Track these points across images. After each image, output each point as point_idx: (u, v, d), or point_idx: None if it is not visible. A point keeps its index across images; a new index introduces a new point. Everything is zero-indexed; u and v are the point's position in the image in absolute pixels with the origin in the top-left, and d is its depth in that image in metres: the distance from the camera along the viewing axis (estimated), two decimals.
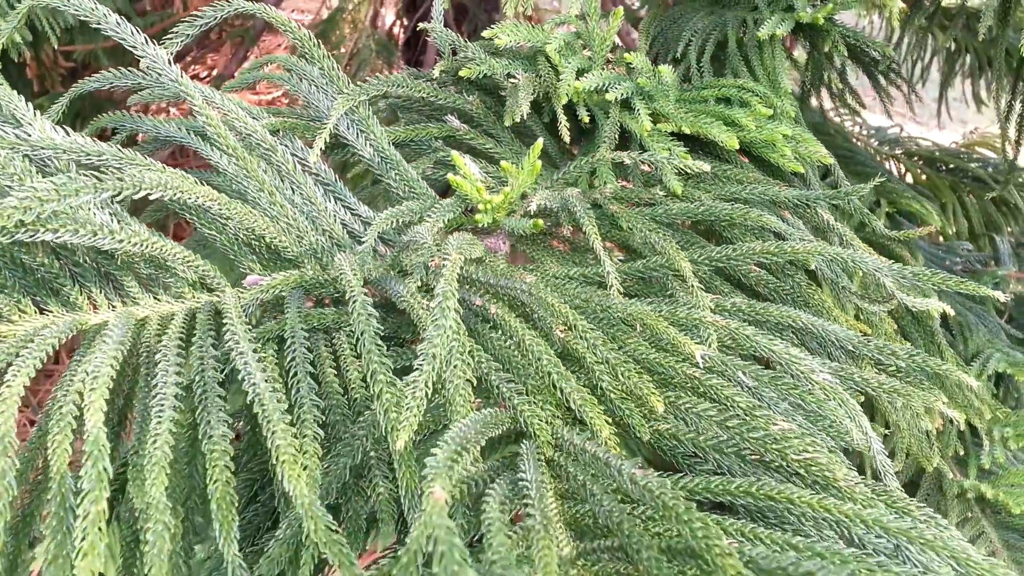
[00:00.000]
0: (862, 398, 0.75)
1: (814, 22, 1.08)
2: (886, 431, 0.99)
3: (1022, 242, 2.06)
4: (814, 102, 1.85)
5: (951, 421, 1.32)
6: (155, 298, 0.70)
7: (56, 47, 1.66)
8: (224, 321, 0.63)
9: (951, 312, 0.90)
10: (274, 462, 0.49)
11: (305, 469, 0.49)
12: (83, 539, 0.45)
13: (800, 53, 1.38)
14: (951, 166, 2.23)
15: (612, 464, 0.50)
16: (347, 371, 0.66)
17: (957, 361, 1.25)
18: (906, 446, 1.01)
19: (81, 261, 0.67)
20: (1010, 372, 1.49)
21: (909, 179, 2.21)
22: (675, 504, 0.45)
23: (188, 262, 0.70)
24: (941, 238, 2.01)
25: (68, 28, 1.65)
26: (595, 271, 0.80)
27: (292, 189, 0.80)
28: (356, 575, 0.43)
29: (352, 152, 0.90)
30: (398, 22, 2.90)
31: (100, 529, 0.46)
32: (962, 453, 1.23)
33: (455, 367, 0.56)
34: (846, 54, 1.13)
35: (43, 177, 0.61)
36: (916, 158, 2.23)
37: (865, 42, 1.09)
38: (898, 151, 2.26)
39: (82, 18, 0.73)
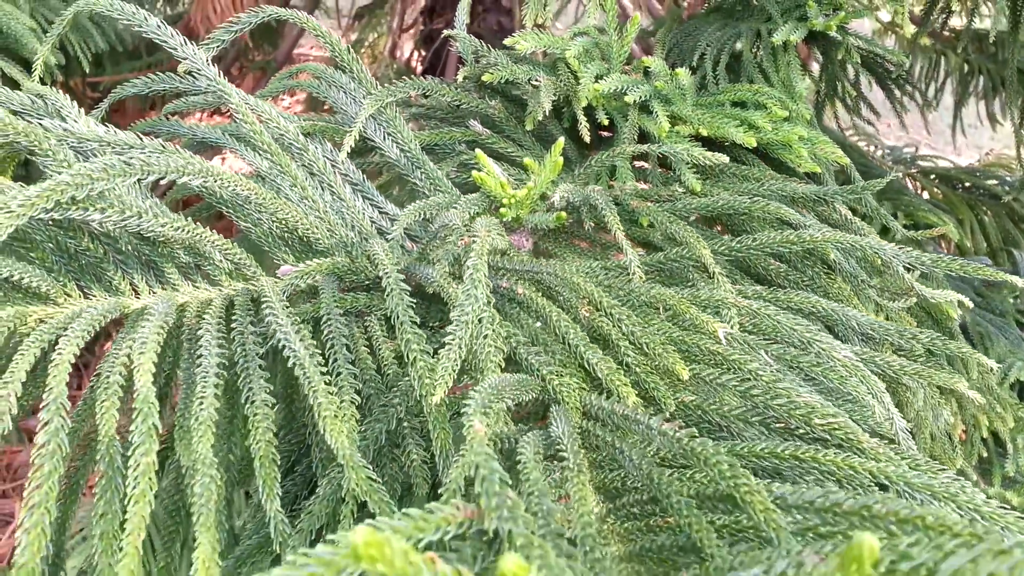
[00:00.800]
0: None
1: (827, 30, 1.11)
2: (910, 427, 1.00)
3: None
4: (832, 124, 1.88)
5: (974, 426, 1.32)
6: (194, 286, 0.73)
7: (86, 74, 1.71)
8: (263, 302, 0.66)
9: (969, 304, 0.92)
10: (316, 419, 0.51)
11: (345, 425, 0.51)
12: (135, 487, 0.48)
13: (814, 69, 1.41)
14: (967, 184, 2.25)
15: (641, 420, 0.52)
16: (380, 350, 0.68)
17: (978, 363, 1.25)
18: (928, 449, 1.02)
19: (124, 248, 0.70)
20: None
21: (925, 196, 2.23)
22: (703, 449, 0.47)
23: (225, 250, 0.73)
24: (960, 252, 2.02)
25: (97, 55, 1.71)
26: (616, 264, 0.83)
27: (322, 186, 0.84)
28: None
29: (378, 157, 0.93)
30: (415, 53, 2.96)
31: (150, 479, 0.49)
32: (985, 455, 1.24)
33: (485, 336, 0.59)
34: (859, 61, 1.16)
35: None
36: (932, 176, 2.25)
37: (876, 48, 1.12)
38: (914, 170, 2.28)
39: (112, 42, 0.77)
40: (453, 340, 0.54)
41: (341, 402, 0.54)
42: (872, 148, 2.33)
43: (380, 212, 0.88)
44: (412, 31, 3.09)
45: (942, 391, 0.85)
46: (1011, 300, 1.83)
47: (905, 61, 1.12)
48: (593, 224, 0.92)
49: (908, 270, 0.82)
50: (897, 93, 1.47)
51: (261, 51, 2.91)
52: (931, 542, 0.31)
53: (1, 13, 1.37)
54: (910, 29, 1.00)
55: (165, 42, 0.76)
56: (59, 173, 0.61)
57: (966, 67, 2.38)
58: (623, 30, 1.00)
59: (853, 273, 0.91)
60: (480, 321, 0.59)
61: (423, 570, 0.30)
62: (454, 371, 0.52)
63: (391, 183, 1.27)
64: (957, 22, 2.56)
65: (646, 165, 1.03)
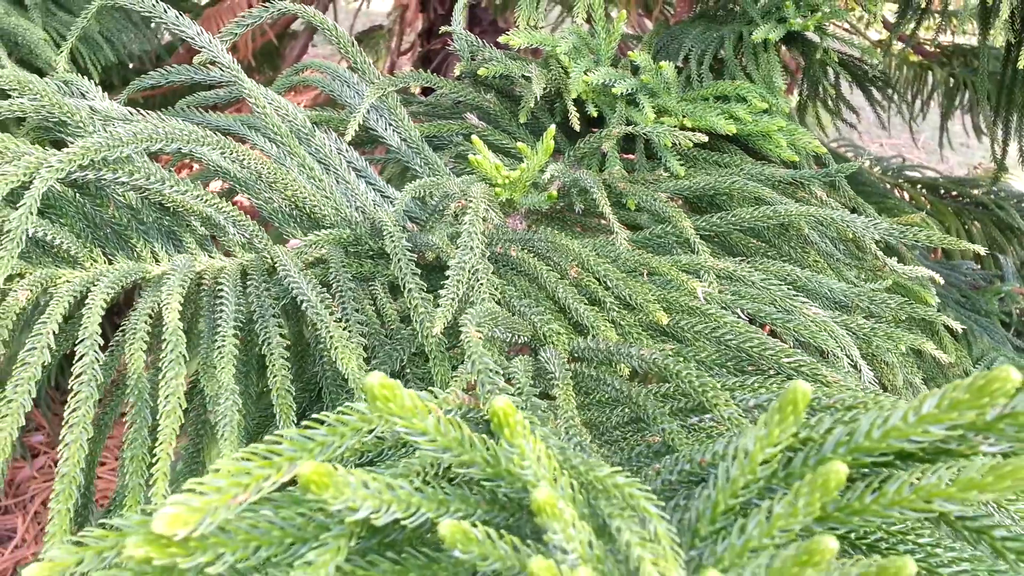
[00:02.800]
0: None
1: (804, 30, 1.19)
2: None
3: None
4: (820, 135, 1.95)
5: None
6: (210, 256, 0.79)
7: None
8: (276, 264, 0.72)
9: (940, 280, 0.98)
10: (328, 350, 0.58)
11: (354, 354, 0.57)
12: (166, 404, 0.54)
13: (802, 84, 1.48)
14: (954, 193, 2.32)
15: (623, 350, 0.58)
16: (383, 309, 0.74)
17: (959, 354, 1.31)
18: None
19: (145, 219, 0.77)
20: None
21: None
22: (675, 365, 0.53)
23: (239, 223, 0.79)
24: (947, 257, 2.09)
25: (106, 68, 1.78)
26: (604, 241, 0.89)
27: (328, 170, 0.90)
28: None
29: (382, 151, 1.00)
30: None
31: (179, 398, 0.55)
32: None
33: (481, 283, 0.65)
34: (836, 61, 1.24)
35: None
36: (919, 186, 2.32)
37: (852, 46, 1.19)
38: (901, 180, 2.35)
39: (121, 56, 0.84)
40: (451, 281, 0.61)
41: (350, 338, 0.60)
42: (859, 159, 2.40)
43: (383, 196, 0.94)
44: (410, 54, 3.18)
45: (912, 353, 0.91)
46: (995, 302, 1.90)
47: (880, 60, 1.19)
48: (583, 207, 0.98)
49: (880, 245, 0.88)
50: (877, 95, 1.54)
51: (263, 74, 2.99)
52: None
53: (18, 26, 1.45)
54: (879, 26, 1.07)
55: (183, 32, 0.83)
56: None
57: (951, 81, 2.46)
58: (610, 28, 1.07)
59: (828, 251, 0.98)
60: (476, 272, 0.65)
61: (428, 411, 0.36)
62: (452, 307, 0.59)
63: (391, 181, 1.34)
64: (944, 38, 2.65)
65: (633, 157, 1.10)
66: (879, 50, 2.91)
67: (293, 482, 0.36)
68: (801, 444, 0.40)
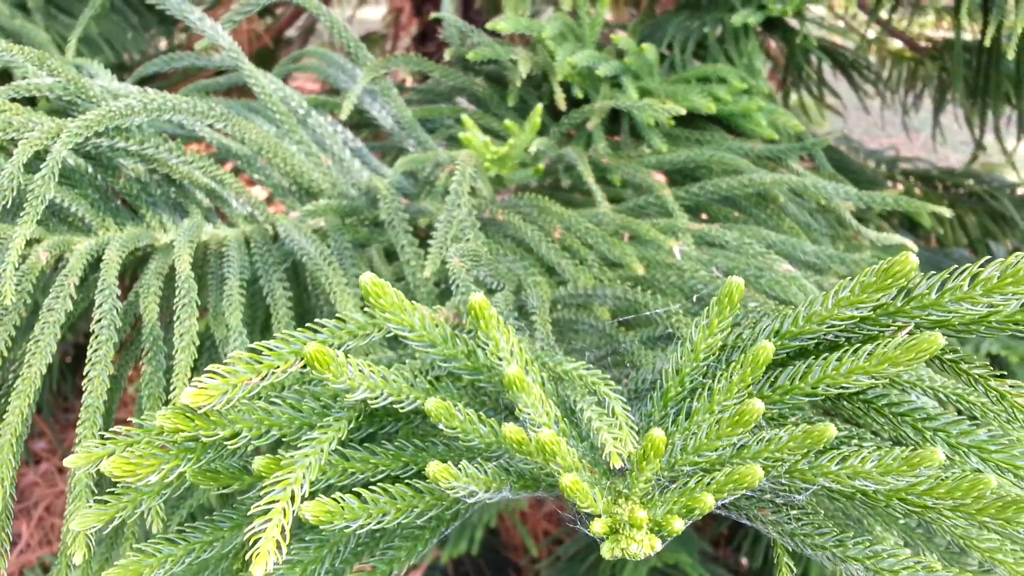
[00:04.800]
0: None
1: (783, 15, 1.26)
2: None
3: (1019, 248, 2.21)
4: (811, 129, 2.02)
5: None
6: (214, 227, 0.86)
7: None
8: (278, 227, 0.79)
9: (914, 248, 1.05)
10: (327, 292, 0.64)
11: (351, 293, 0.64)
12: (181, 341, 0.60)
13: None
14: (948, 184, 2.38)
15: (599, 291, 0.65)
16: (379, 271, 0.81)
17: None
18: None
19: (153, 191, 0.84)
20: (1003, 354, 1.61)
21: None
22: (643, 297, 0.59)
23: (241, 194, 0.86)
24: (940, 245, 2.16)
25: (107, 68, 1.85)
26: (588, 211, 0.96)
27: (324, 148, 0.97)
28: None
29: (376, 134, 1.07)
30: (407, 79, 3.13)
31: (193, 341, 0.61)
32: None
33: (468, 239, 0.72)
34: (816, 45, 1.31)
35: None
36: (912, 177, 2.39)
37: (830, 30, 1.27)
38: (896, 171, 2.42)
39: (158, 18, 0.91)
40: (439, 231, 0.68)
41: (347, 283, 0.67)
42: (854, 152, 2.47)
43: (377, 174, 1.01)
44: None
45: None
46: None
47: (857, 40, 1.26)
48: (570, 184, 1.05)
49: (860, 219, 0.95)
50: (858, 79, 1.61)
51: None
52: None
53: (24, 27, 1.52)
54: (853, 8, 1.14)
55: (186, 17, 0.90)
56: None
57: (944, 75, 2.53)
58: (593, 13, 1.15)
59: (805, 222, 1.05)
60: (463, 226, 0.72)
61: (415, 309, 0.43)
62: (440, 253, 0.65)
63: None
64: (934, 33, 2.73)
65: (619, 139, 1.17)
66: (865, 39, 2.98)
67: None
68: (739, 342, 0.47)
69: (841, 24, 2.35)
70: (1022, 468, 0.44)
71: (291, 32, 3.10)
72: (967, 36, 2.26)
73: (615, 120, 1.19)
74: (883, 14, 1.49)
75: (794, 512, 0.47)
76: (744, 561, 2.17)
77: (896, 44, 2.67)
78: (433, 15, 1.10)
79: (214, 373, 0.40)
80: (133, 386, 0.79)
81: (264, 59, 3.04)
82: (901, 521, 0.62)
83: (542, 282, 0.72)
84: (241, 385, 0.40)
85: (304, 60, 1.11)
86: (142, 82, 0.98)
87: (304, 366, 0.43)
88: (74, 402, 2.68)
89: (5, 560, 0.59)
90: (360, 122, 1.08)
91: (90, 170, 0.80)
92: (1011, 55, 1.05)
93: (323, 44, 3.49)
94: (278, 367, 0.42)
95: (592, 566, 1.99)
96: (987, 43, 1.08)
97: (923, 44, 2.48)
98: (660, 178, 0.96)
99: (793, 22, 1.37)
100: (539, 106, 1.00)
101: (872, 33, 2.61)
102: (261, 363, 0.42)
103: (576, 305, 0.69)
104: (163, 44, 2.39)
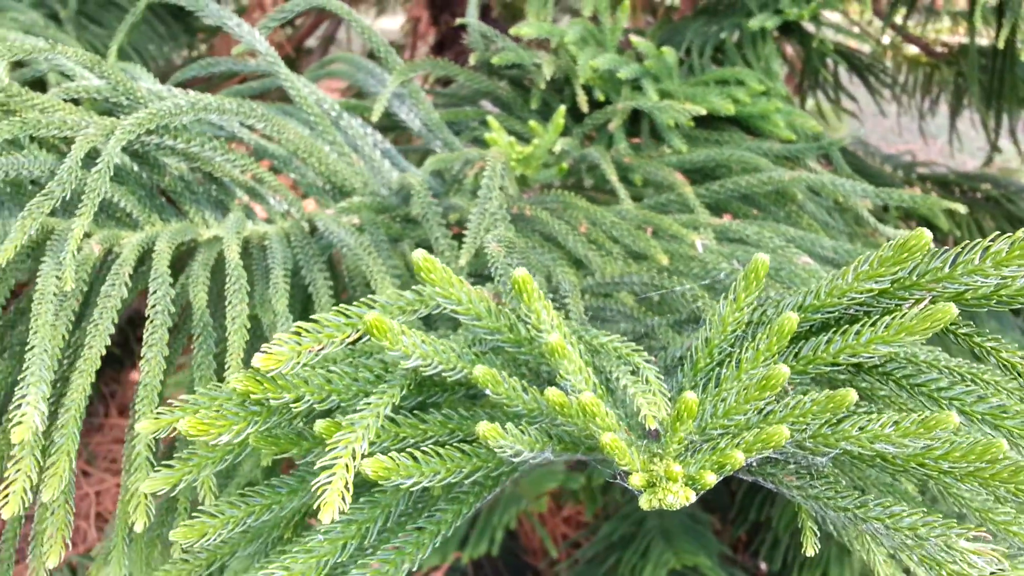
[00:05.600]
0: None
1: (799, 19, 1.30)
2: None
3: None
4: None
5: None
6: (253, 223, 0.90)
7: None
8: (316, 223, 0.83)
9: (929, 236, 1.08)
10: (370, 281, 0.68)
11: (389, 282, 0.68)
12: (233, 324, 0.64)
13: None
14: (964, 187, 2.41)
15: (625, 278, 0.68)
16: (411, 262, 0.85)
17: None
18: None
19: (196, 189, 0.88)
20: None
21: None
22: (669, 281, 0.63)
23: (278, 191, 0.90)
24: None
25: None
26: (612, 206, 0.99)
27: (356, 149, 1.01)
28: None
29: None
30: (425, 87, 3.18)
31: (245, 324, 0.65)
32: None
33: (498, 227, 0.75)
34: (832, 48, 1.34)
35: None
36: (929, 182, 2.41)
37: (847, 34, 1.30)
38: (912, 175, 2.44)
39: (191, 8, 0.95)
40: (473, 222, 0.71)
41: (386, 271, 0.71)
42: (869, 156, 2.50)
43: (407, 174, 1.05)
44: None
45: None
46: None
47: (871, 46, 1.29)
48: (592, 183, 1.09)
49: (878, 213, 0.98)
50: (874, 83, 1.64)
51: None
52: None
53: (56, 37, 1.58)
54: (868, 14, 1.18)
55: (225, 23, 0.95)
56: None
57: (960, 79, 2.56)
58: (615, 19, 1.19)
59: (824, 220, 1.08)
60: (495, 217, 0.76)
61: (462, 284, 0.47)
62: (475, 243, 0.69)
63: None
64: (950, 38, 2.76)
65: (639, 140, 1.21)
66: (881, 45, 3.00)
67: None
68: (763, 318, 0.50)
69: (856, 30, 2.39)
70: None
71: (311, 42, 3.16)
72: (984, 41, 2.29)
73: (635, 123, 1.23)
74: (898, 19, 1.53)
75: (818, 480, 0.50)
76: (763, 566, 2.19)
77: (912, 50, 2.70)
78: (459, 20, 1.15)
79: (281, 340, 0.44)
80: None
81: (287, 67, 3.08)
82: (918, 500, 0.65)
83: (570, 272, 0.76)
84: (305, 352, 0.44)
85: (333, 65, 1.16)
86: (178, 86, 1.03)
87: (359, 337, 0.46)
88: (97, 406, 2.72)
89: (68, 530, 0.63)
90: (388, 125, 1.12)
91: (135, 168, 0.84)
92: None
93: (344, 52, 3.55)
94: (338, 337, 0.46)
95: (611, 568, 2.02)
96: (1001, 45, 1.11)
97: (939, 50, 2.51)
98: (680, 178, 1.00)
99: (809, 27, 1.41)
100: (562, 107, 1.03)
101: (887, 39, 2.65)
102: (322, 332, 0.45)
103: (604, 294, 0.72)
104: (183, 54, 2.45)
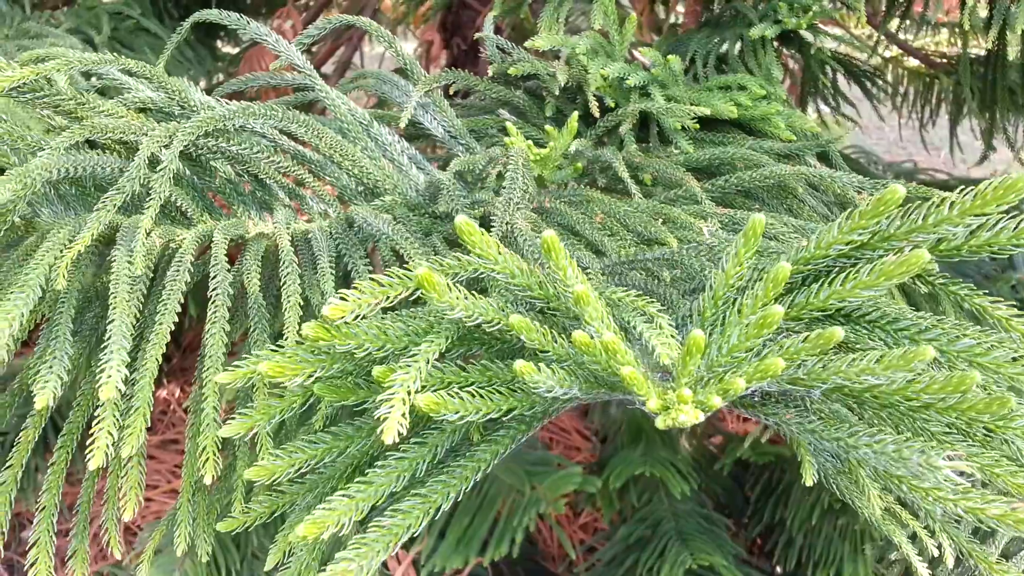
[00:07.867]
0: None
1: (798, 28, 1.37)
2: None
3: None
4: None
5: None
6: (295, 222, 0.98)
7: None
8: (354, 219, 0.91)
9: (902, 192, 1.14)
10: (409, 262, 0.75)
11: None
12: (287, 302, 0.71)
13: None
14: (964, 190, 2.47)
15: (639, 256, 0.76)
16: (443, 254, 0.92)
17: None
18: None
19: (243, 190, 0.95)
20: None
21: None
22: (682, 254, 0.70)
23: (317, 192, 0.98)
24: None
25: None
26: (628, 201, 1.07)
27: (385, 154, 1.09)
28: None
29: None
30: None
31: (298, 302, 0.72)
32: None
33: (522, 216, 0.83)
34: (831, 55, 1.42)
35: None
36: (930, 188, 2.48)
37: (844, 41, 1.38)
38: (913, 183, 2.51)
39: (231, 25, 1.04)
40: (500, 211, 0.78)
41: (422, 253, 0.78)
42: (872, 165, 2.57)
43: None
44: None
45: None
46: (1009, 288, 2.05)
47: (868, 53, 1.37)
48: (605, 183, 1.16)
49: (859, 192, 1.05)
50: (872, 89, 1.72)
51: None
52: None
53: (94, 37, 1.67)
54: (863, 25, 1.26)
55: (264, 40, 1.03)
56: None
57: (959, 89, 2.63)
58: (623, 30, 1.26)
59: (824, 214, 1.15)
60: (519, 207, 0.83)
61: (498, 246, 0.54)
62: (503, 225, 0.76)
63: None
64: (949, 49, 2.84)
65: (648, 144, 1.28)
66: (881, 56, 3.07)
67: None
68: (761, 275, 0.57)
69: (857, 42, 2.47)
70: (1004, 367, 0.54)
71: (327, 68, 3.26)
72: (980, 51, 2.37)
73: (644, 128, 1.30)
74: (892, 28, 1.60)
75: (814, 415, 0.57)
76: (778, 570, 2.24)
77: (912, 62, 2.78)
78: (477, 35, 1.22)
79: (346, 295, 0.51)
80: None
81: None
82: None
83: (588, 255, 0.83)
84: (366, 304, 0.51)
85: (363, 80, 1.24)
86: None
87: (411, 294, 0.54)
88: None
89: (142, 489, 0.70)
90: (413, 134, 1.20)
91: (187, 172, 0.92)
92: (1012, 54, 1.15)
93: None
94: (391, 293, 0.53)
95: (629, 569, 2.07)
96: (989, 45, 1.18)
97: (938, 61, 2.58)
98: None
99: (808, 36, 1.49)
100: (575, 113, 1.11)
101: (888, 53, 2.73)
102: (381, 287, 0.53)
103: (618, 273, 0.79)
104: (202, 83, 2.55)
